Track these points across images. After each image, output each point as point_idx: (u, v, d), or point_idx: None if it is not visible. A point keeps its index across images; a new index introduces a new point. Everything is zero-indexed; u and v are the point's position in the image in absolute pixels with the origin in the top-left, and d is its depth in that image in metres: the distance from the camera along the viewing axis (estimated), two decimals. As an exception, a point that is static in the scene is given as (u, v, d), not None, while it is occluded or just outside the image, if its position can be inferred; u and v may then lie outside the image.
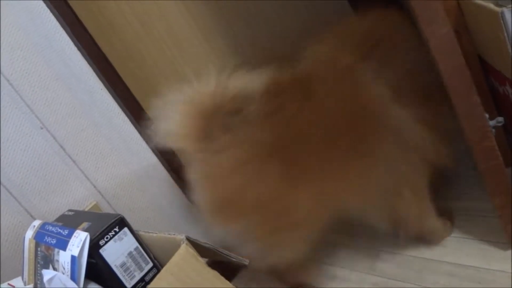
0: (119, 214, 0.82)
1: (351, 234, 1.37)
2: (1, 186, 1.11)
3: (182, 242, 0.74)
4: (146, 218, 1.34)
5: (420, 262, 1.14)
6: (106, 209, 1.25)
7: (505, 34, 0.86)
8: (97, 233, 0.78)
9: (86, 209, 1.20)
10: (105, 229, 0.79)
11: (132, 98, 1.29)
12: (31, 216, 1.14)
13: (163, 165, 1.35)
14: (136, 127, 1.30)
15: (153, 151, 1.33)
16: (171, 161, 1.35)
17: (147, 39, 1.42)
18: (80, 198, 1.21)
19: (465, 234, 1.14)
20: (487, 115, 0.86)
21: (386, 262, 1.20)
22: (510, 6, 0.84)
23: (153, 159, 1.34)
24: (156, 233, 0.82)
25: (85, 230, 0.80)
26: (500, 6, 1.01)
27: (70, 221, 0.91)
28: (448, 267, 1.08)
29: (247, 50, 1.56)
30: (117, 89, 1.26)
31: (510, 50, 0.86)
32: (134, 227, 0.87)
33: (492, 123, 0.87)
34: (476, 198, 1.21)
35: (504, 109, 1.07)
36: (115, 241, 0.80)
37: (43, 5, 1.18)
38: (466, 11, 1.02)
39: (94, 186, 1.24)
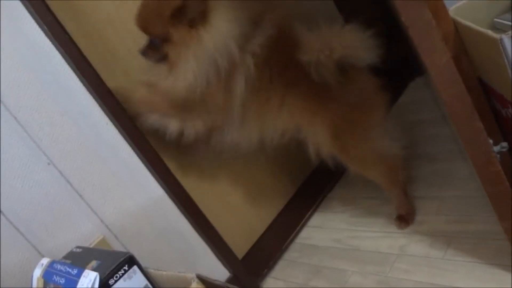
0: (128, 252, 0.82)
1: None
2: (9, 222, 1.12)
3: (192, 281, 0.73)
4: (153, 251, 1.33)
5: (432, 288, 1.13)
6: (113, 243, 1.25)
7: (505, 60, 0.87)
8: (107, 273, 0.78)
9: (93, 244, 1.20)
10: (114, 268, 0.79)
11: (138, 131, 1.30)
12: (39, 252, 1.14)
13: (170, 197, 1.35)
14: (142, 160, 1.30)
15: (160, 183, 1.33)
16: (177, 193, 1.35)
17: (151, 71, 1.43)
18: (87, 232, 1.21)
19: (476, 258, 1.13)
20: (491, 141, 0.86)
21: (396, 288, 1.19)
22: (509, 32, 0.85)
23: (160, 191, 1.34)
24: (165, 271, 0.82)
25: (94, 269, 0.80)
26: (497, 29, 1.03)
27: (79, 259, 0.91)
28: (460, 293, 1.07)
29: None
30: (123, 123, 1.27)
31: (510, 75, 0.87)
32: (142, 261, 0.87)
33: (496, 148, 0.87)
34: (485, 220, 1.20)
35: (507, 131, 1.07)
36: (124, 280, 0.80)
37: (48, 43, 1.20)
38: (464, 36, 1.03)
39: (101, 220, 1.24)
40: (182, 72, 1.19)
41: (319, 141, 1.30)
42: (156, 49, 1.23)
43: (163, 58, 1.23)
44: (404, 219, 1.39)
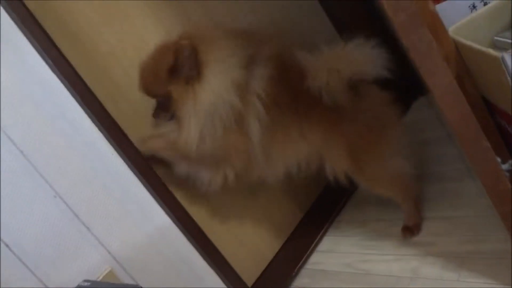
0: (137, 285, 0.81)
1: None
2: (15, 256, 1.11)
3: (201, 312, 0.72)
4: (162, 281, 1.31)
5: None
6: (121, 275, 1.23)
7: (507, 78, 0.87)
8: (114, 306, 0.77)
9: (101, 277, 1.19)
10: (122, 302, 0.78)
11: (143, 161, 1.30)
12: (46, 286, 1.13)
13: (177, 226, 1.34)
14: (148, 190, 1.30)
15: (166, 212, 1.33)
16: (185, 222, 1.35)
17: (155, 101, 1.44)
18: (95, 265, 1.20)
19: (491, 279, 1.10)
20: (499, 159, 0.85)
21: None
22: (509, 50, 0.86)
23: (167, 221, 1.33)
24: (174, 303, 0.80)
25: (102, 304, 0.78)
26: (498, 47, 1.04)
27: (86, 293, 0.89)
28: (477, 317, 1.04)
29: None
30: (128, 153, 1.27)
31: (513, 92, 0.86)
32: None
33: (505, 167, 0.86)
34: (498, 240, 1.18)
35: (513, 149, 1.07)
36: (132, 313, 0.78)
37: (53, 76, 1.21)
38: (465, 54, 1.03)
39: (109, 252, 1.23)
40: (186, 128, 1.20)
41: (336, 162, 1.31)
42: (165, 108, 1.25)
43: (173, 116, 1.25)
44: (410, 230, 1.40)
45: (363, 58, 1.19)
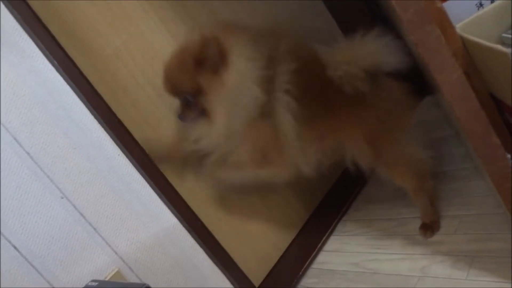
0: (145, 284, 0.81)
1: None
2: (23, 258, 1.11)
3: (209, 311, 0.71)
4: (169, 281, 1.31)
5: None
6: (128, 275, 1.23)
7: (516, 73, 0.86)
8: (123, 306, 0.76)
9: (109, 277, 1.18)
10: (130, 301, 0.77)
11: (149, 161, 1.31)
12: (53, 287, 1.13)
13: (183, 225, 1.34)
14: (154, 190, 1.30)
15: (173, 213, 1.32)
16: (191, 221, 1.34)
17: (160, 102, 1.44)
18: (102, 265, 1.20)
19: (501, 277, 1.09)
20: (509, 156, 0.84)
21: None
22: (518, 46, 0.85)
23: (173, 220, 1.33)
24: (182, 302, 0.80)
25: (110, 303, 0.78)
26: (505, 44, 1.03)
27: (94, 293, 0.89)
28: (487, 316, 1.03)
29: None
30: (134, 154, 1.27)
31: (523, 89, 0.86)
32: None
33: (515, 163, 0.85)
34: (507, 238, 1.17)
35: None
36: (141, 313, 0.78)
37: (60, 78, 1.22)
38: (473, 51, 1.03)
39: (115, 253, 1.22)
40: (217, 118, 1.20)
41: (356, 149, 1.32)
42: (192, 107, 1.24)
43: (201, 114, 1.23)
44: (430, 227, 1.38)
45: (382, 49, 1.21)
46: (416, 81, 1.59)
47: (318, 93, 1.26)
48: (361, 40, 1.24)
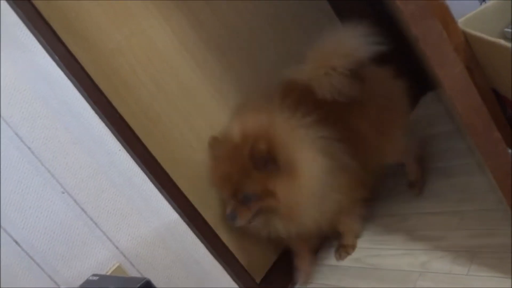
0: (145, 278, 0.81)
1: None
2: (24, 252, 1.12)
3: (210, 305, 0.71)
4: (170, 276, 1.31)
5: (457, 306, 1.09)
6: (129, 270, 1.24)
7: (518, 68, 0.86)
8: (123, 300, 0.77)
9: (109, 272, 1.19)
10: (131, 295, 0.78)
11: (150, 156, 1.31)
12: (55, 282, 1.13)
13: (184, 221, 1.34)
14: (155, 185, 1.30)
15: (174, 208, 1.32)
16: (192, 216, 1.34)
17: (161, 97, 1.45)
18: (103, 260, 1.20)
19: (502, 273, 1.09)
20: (510, 151, 0.84)
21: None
22: (520, 41, 0.85)
23: (174, 215, 1.33)
24: (182, 296, 0.80)
25: (111, 297, 0.78)
26: (508, 39, 1.03)
27: (95, 286, 0.90)
28: (488, 311, 1.03)
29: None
30: (135, 149, 1.27)
31: (525, 83, 0.85)
32: (159, 287, 0.85)
33: (516, 158, 0.85)
34: (508, 234, 1.17)
35: (525, 141, 1.05)
36: (141, 307, 0.78)
37: (60, 73, 1.22)
38: (475, 45, 1.02)
39: (117, 247, 1.23)
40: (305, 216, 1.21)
41: (369, 151, 1.35)
42: (249, 205, 1.21)
43: (257, 214, 1.22)
44: (416, 185, 1.51)
45: (351, 45, 1.23)
46: (418, 77, 1.60)
47: (334, 117, 1.26)
48: (328, 44, 1.26)
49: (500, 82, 1.02)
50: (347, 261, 1.49)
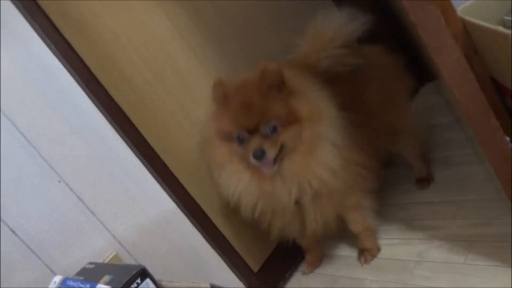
0: (141, 265, 0.81)
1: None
2: (21, 241, 1.12)
3: (206, 292, 0.71)
4: (167, 265, 1.32)
5: (455, 295, 1.09)
6: (126, 258, 1.24)
7: (517, 55, 0.85)
8: (120, 286, 0.76)
9: (106, 260, 1.19)
10: (127, 282, 0.78)
11: (147, 145, 1.30)
12: (51, 271, 1.13)
13: (181, 210, 1.34)
14: (152, 174, 1.30)
15: (171, 197, 1.32)
16: (189, 206, 1.34)
17: (158, 85, 1.44)
18: (100, 249, 1.20)
19: (498, 261, 1.09)
20: (508, 138, 0.83)
21: (417, 296, 1.16)
22: (519, 27, 0.84)
23: (171, 205, 1.33)
24: (178, 282, 0.80)
25: (107, 284, 0.78)
26: (507, 27, 1.02)
27: (91, 274, 0.90)
28: (485, 299, 1.03)
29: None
30: (132, 138, 1.27)
31: (524, 71, 0.85)
32: (156, 275, 0.85)
33: (514, 146, 0.84)
34: (505, 223, 1.17)
35: (524, 129, 1.05)
36: (137, 294, 0.78)
37: (57, 62, 1.21)
38: (474, 34, 1.01)
39: (113, 236, 1.23)
40: (324, 152, 1.12)
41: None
42: (274, 139, 1.09)
43: (281, 153, 1.10)
44: (426, 180, 1.51)
45: (342, 21, 1.28)
46: (416, 68, 1.60)
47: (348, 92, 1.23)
48: (320, 24, 1.29)
49: (499, 70, 1.02)
50: (345, 251, 1.49)
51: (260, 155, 1.06)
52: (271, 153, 1.07)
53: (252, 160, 1.08)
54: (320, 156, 1.11)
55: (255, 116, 1.09)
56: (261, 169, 1.11)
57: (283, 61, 1.33)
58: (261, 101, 1.09)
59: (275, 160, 1.09)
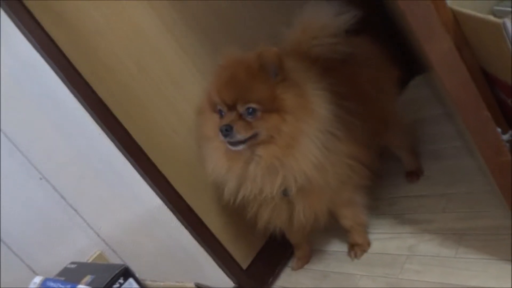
0: (123, 264, 0.78)
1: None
2: (1, 241, 1.08)
3: (190, 291, 0.69)
4: (154, 264, 1.29)
5: (444, 289, 1.08)
6: (111, 257, 1.21)
7: (509, 45, 0.83)
8: (102, 286, 0.73)
9: (91, 260, 1.16)
10: (109, 282, 0.75)
11: (132, 140, 1.26)
12: (33, 271, 1.10)
13: (168, 207, 1.30)
14: (137, 170, 1.26)
15: (157, 194, 1.29)
16: (176, 202, 1.31)
17: (143, 79, 1.40)
18: (84, 248, 1.17)
19: (489, 255, 1.08)
20: (499, 130, 0.82)
21: (407, 292, 1.14)
22: (510, 16, 0.82)
23: (157, 201, 1.30)
24: (163, 282, 0.77)
25: (89, 284, 0.76)
26: (497, 17, 1.00)
27: (73, 274, 0.87)
28: (475, 293, 1.02)
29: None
30: (116, 133, 1.23)
31: (515, 59, 0.83)
32: (143, 275, 0.83)
33: (505, 137, 0.83)
34: (495, 216, 1.16)
35: (513, 122, 1.04)
36: (120, 294, 0.75)
37: (36, 55, 1.17)
38: (464, 24, 1.00)
39: (98, 235, 1.19)
40: (305, 149, 1.07)
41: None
42: (250, 122, 1.07)
43: (255, 138, 1.07)
44: (415, 173, 1.50)
45: (331, 12, 1.28)
46: (406, 61, 1.59)
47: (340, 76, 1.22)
48: (311, 13, 1.28)
49: (489, 61, 1.00)
50: (335, 246, 1.48)
51: (225, 131, 1.05)
52: (239, 134, 1.05)
53: (219, 135, 1.06)
54: (302, 152, 1.07)
55: (234, 93, 1.07)
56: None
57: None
58: (247, 80, 1.08)
59: (242, 142, 1.07)
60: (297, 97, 1.09)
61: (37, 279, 0.88)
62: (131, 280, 0.77)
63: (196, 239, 1.36)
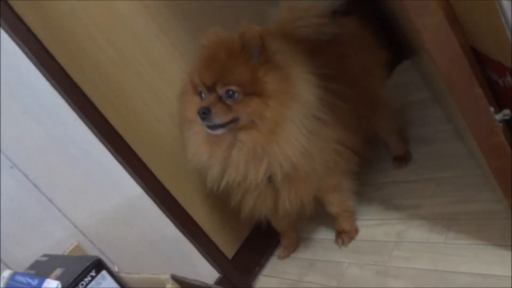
0: (95, 256, 0.73)
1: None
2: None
3: (167, 283, 0.64)
4: (135, 254, 1.24)
5: (434, 275, 1.05)
6: (90, 248, 1.15)
7: (503, 21, 0.79)
8: (71, 280, 0.69)
9: (68, 251, 1.10)
10: (79, 275, 0.70)
11: (110, 126, 1.21)
12: (6, 265, 1.03)
13: (149, 195, 1.26)
14: (116, 157, 1.21)
15: (137, 182, 1.24)
16: (157, 191, 1.26)
17: (122, 64, 1.34)
18: (60, 239, 1.11)
19: (479, 240, 1.06)
20: (492, 109, 0.78)
21: (397, 278, 1.11)
22: (504, -10, 0.78)
23: (138, 190, 1.25)
24: (138, 274, 0.73)
25: (58, 278, 0.70)
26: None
27: (43, 268, 0.81)
28: (466, 278, 0.99)
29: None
30: (92, 119, 1.17)
31: (510, 37, 0.79)
32: (123, 266, 0.78)
33: (498, 117, 0.79)
34: (486, 200, 1.13)
35: (505, 102, 1.00)
36: (93, 287, 0.70)
37: (5, 36, 1.10)
38: (454, 2, 0.96)
39: (74, 225, 1.14)
40: (289, 135, 1.03)
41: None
42: (230, 106, 1.02)
43: (235, 122, 1.03)
44: (403, 158, 1.48)
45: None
46: (393, 46, 1.55)
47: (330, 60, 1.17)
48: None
49: (480, 39, 0.96)
50: (322, 233, 1.44)
51: (203, 114, 1.00)
52: (218, 117, 1.01)
53: (198, 118, 1.02)
54: (286, 138, 1.03)
55: (213, 74, 1.03)
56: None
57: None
58: (227, 61, 1.03)
59: (221, 126, 1.03)
60: (280, 81, 1.04)
61: (6, 273, 0.82)
62: (104, 272, 0.72)
63: (179, 228, 1.31)
